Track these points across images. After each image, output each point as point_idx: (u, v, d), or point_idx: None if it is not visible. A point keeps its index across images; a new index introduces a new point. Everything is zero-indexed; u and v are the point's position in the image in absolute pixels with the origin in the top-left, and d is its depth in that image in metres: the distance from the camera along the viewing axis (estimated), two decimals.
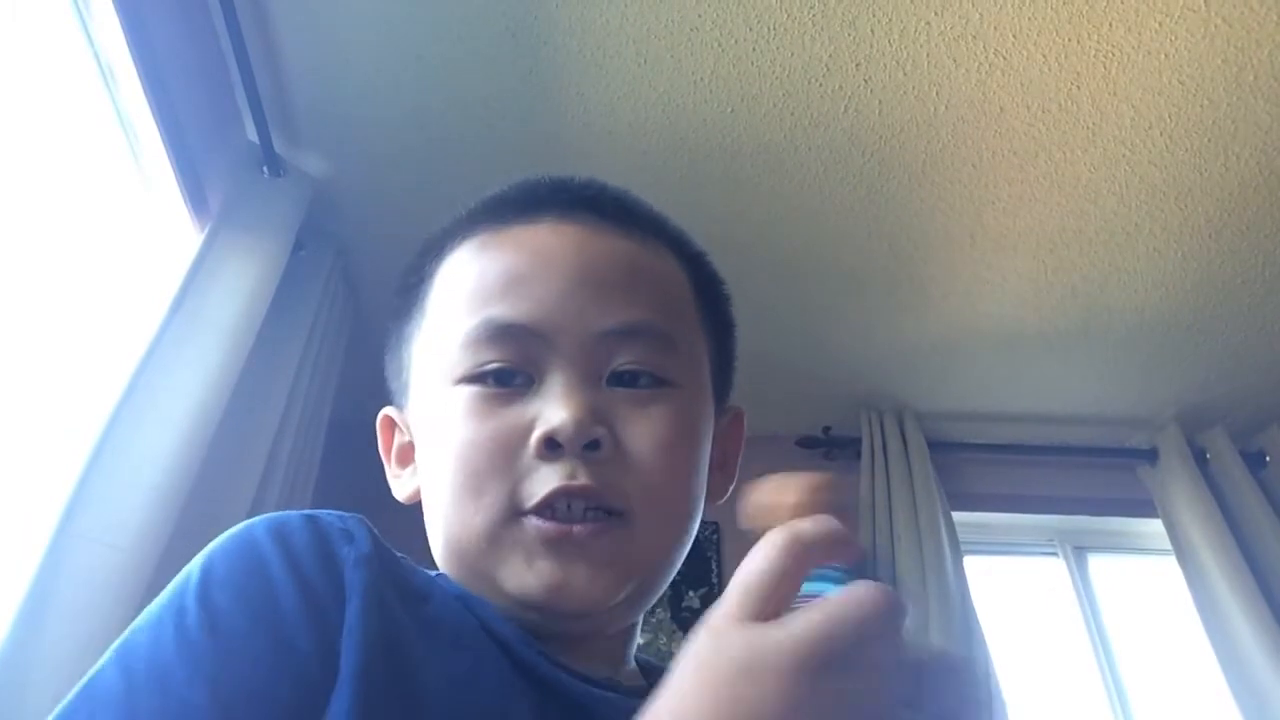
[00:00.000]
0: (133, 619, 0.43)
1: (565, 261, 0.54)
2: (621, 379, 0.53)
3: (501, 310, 0.53)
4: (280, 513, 0.46)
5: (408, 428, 0.61)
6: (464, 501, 0.50)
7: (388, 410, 0.63)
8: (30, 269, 1.21)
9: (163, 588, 0.44)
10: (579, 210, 0.58)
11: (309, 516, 0.46)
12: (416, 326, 0.60)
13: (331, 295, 1.83)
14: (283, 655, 0.40)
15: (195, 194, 1.51)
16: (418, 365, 0.59)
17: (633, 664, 0.58)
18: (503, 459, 0.50)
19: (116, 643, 0.41)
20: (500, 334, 0.52)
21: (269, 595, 0.42)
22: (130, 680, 0.39)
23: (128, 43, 1.28)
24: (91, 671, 0.40)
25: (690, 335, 0.59)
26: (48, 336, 1.23)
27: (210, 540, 0.45)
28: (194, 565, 0.44)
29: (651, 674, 0.57)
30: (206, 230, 1.48)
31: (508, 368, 0.52)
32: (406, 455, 0.61)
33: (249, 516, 0.45)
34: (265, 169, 1.67)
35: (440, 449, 0.53)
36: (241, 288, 1.45)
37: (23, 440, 1.14)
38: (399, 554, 0.49)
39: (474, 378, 0.52)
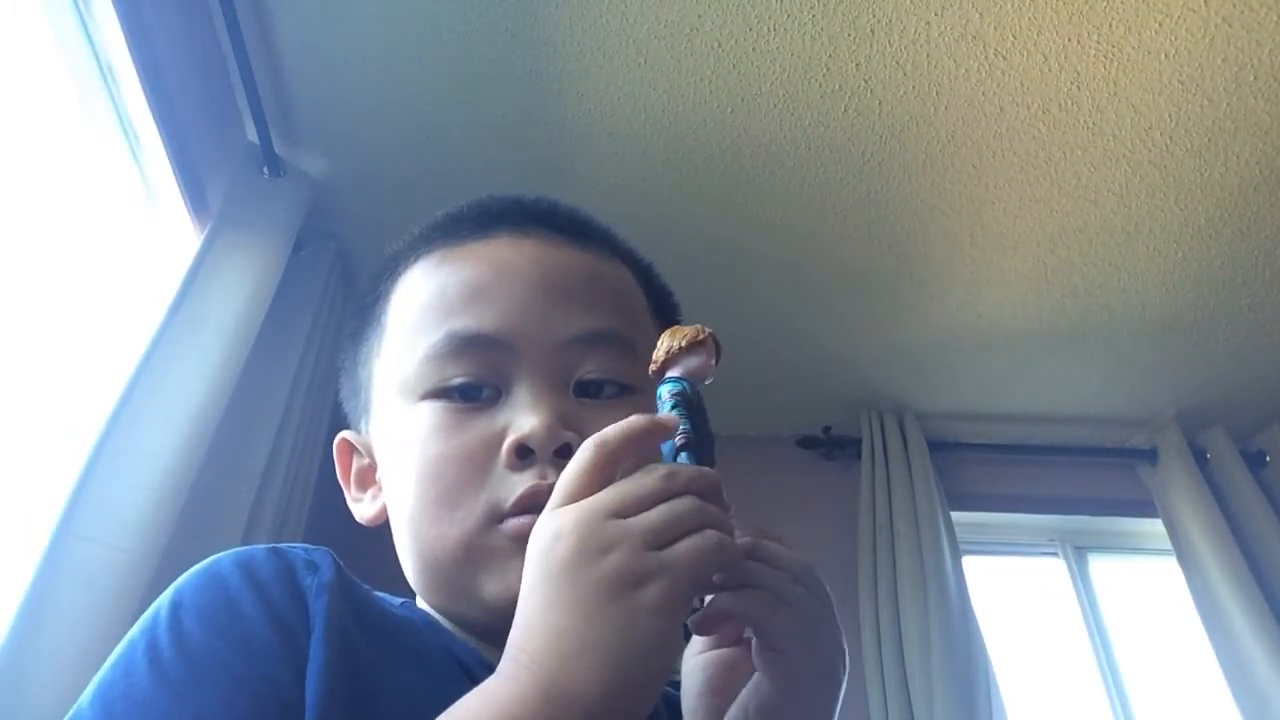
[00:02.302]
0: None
1: (525, 272, 0.55)
2: (586, 389, 0.53)
3: (465, 322, 0.53)
4: (245, 547, 0.47)
5: (367, 450, 0.60)
6: (437, 516, 0.50)
7: (345, 434, 0.62)
8: (30, 269, 1.21)
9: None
10: (533, 225, 0.58)
11: (274, 548, 0.47)
12: (374, 346, 0.59)
13: (331, 295, 1.83)
14: (263, 683, 0.40)
15: (195, 194, 1.51)
16: (378, 384, 0.58)
17: None
18: (474, 472, 0.50)
19: (90, 684, 0.41)
20: (464, 346, 0.52)
21: (240, 624, 0.42)
22: (110, 716, 0.39)
23: (128, 43, 1.28)
24: (69, 714, 0.40)
25: (649, 341, 0.59)
26: (48, 336, 1.23)
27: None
28: (161, 601, 0.44)
29: None
30: (206, 230, 1.48)
31: (473, 382, 0.52)
32: (366, 478, 0.60)
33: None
34: (265, 169, 1.67)
35: (408, 467, 0.52)
36: (241, 288, 1.44)
37: (23, 440, 1.14)
38: (365, 585, 0.49)
39: (439, 393, 0.52)
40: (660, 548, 0.36)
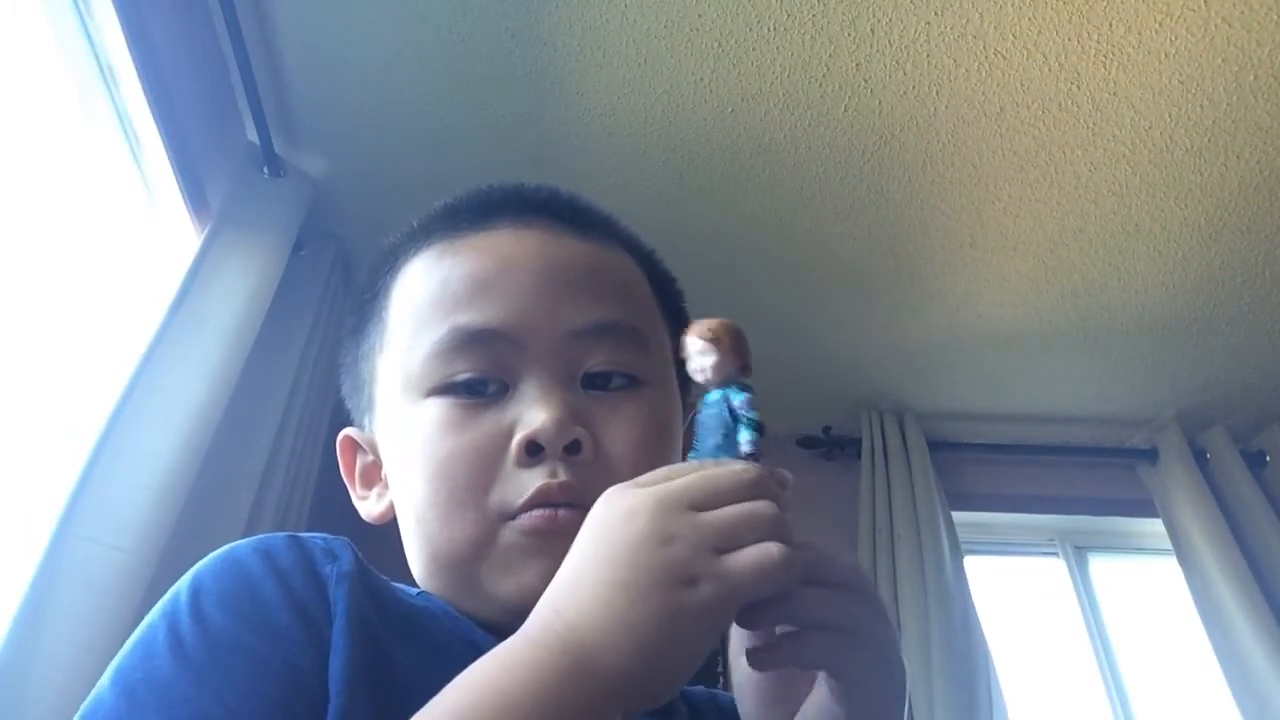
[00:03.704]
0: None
1: (529, 265, 0.54)
2: (594, 381, 0.53)
3: (470, 317, 0.52)
4: (261, 535, 0.46)
5: (372, 447, 0.59)
6: (448, 515, 0.50)
7: (348, 431, 0.62)
8: (31, 269, 1.21)
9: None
10: (535, 215, 0.57)
11: (292, 536, 0.46)
12: (376, 341, 0.58)
13: (331, 295, 1.83)
14: (285, 667, 0.40)
15: (195, 194, 1.51)
16: (382, 381, 0.57)
17: None
18: (483, 469, 0.49)
19: (108, 669, 0.41)
20: (470, 341, 0.52)
21: (262, 609, 0.42)
22: (132, 700, 0.38)
23: (128, 43, 1.28)
24: (88, 700, 0.40)
25: (655, 331, 0.58)
26: (48, 336, 1.23)
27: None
28: (180, 586, 0.43)
29: None
30: (207, 230, 1.48)
31: (479, 377, 0.51)
32: (371, 476, 0.60)
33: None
34: (265, 169, 1.67)
35: (415, 465, 0.52)
36: (241, 288, 1.45)
37: (23, 440, 1.14)
38: (383, 575, 0.49)
39: (445, 389, 0.52)
40: (725, 550, 0.36)
